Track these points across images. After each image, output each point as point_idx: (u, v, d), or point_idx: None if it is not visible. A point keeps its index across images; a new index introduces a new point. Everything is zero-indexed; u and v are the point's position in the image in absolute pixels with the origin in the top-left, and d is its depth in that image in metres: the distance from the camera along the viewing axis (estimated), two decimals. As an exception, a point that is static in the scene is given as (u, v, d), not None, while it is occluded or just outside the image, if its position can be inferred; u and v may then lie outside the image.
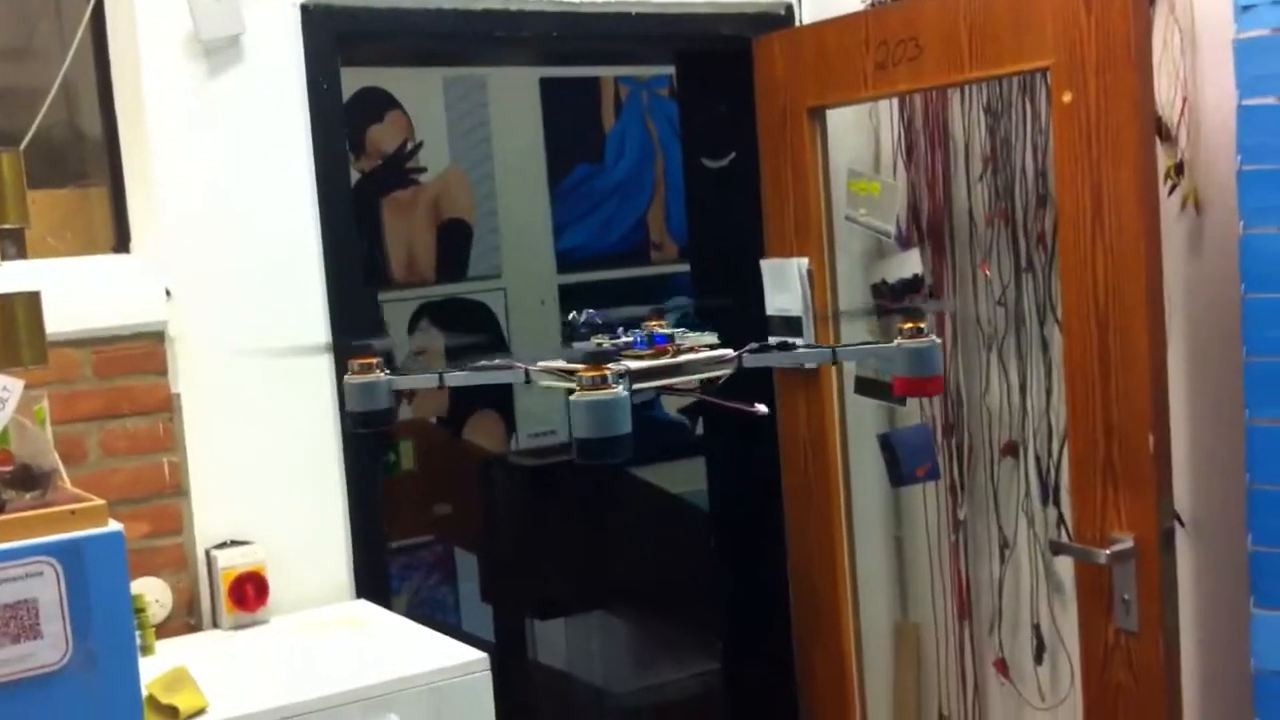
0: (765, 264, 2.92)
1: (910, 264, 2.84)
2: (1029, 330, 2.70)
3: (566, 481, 4.77)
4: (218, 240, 2.48)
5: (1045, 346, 2.66)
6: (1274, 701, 2.33)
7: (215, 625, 2.46)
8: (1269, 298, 2.23)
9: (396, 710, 2.14)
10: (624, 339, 1.85)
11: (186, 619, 2.45)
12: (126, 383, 2.38)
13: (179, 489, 2.43)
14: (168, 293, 2.42)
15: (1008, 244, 2.74)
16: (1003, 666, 2.86)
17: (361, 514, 2.62)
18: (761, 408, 1.91)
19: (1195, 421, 2.46)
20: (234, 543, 2.48)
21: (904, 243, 2.88)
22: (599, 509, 4.70)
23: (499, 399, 5.20)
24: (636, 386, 1.75)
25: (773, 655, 3.13)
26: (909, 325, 1.78)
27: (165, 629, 2.41)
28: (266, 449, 2.52)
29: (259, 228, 2.52)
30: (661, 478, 4.91)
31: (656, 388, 1.84)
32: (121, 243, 2.54)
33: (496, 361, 1.91)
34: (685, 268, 3.66)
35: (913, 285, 2.81)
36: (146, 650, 2.28)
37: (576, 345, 1.86)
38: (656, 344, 1.82)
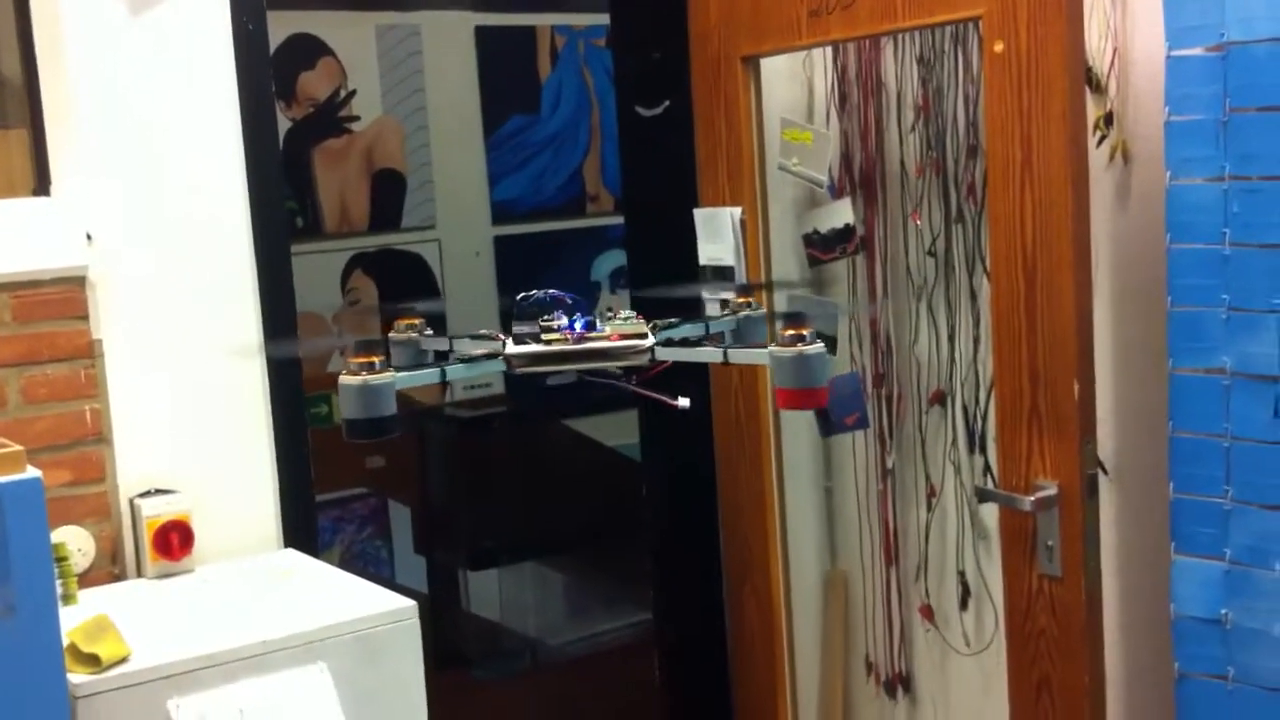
0: (698, 213, 2.91)
1: (842, 213, 2.85)
2: (958, 280, 2.71)
3: (500, 433, 4.76)
4: (140, 185, 2.43)
5: (974, 296, 2.68)
6: (1193, 645, 2.38)
7: (140, 575, 2.43)
8: (1193, 248, 2.26)
9: (324, 658, 2.13)
10: (557, 321, 1.80)
11: (110, 568, 2.42)
12: (47, 328, 2.34)
13: (101, 436, 2.39)
14: (89, 237, 2.38)
15: (939, 194, 2.75)
16: (929, 613, 2.90)
17: (289, 463, 2.60)
18: (683, 402, 1.87)
19: (1120, 370, 2.49)
20: (158, 491, 2.45)
21: (836, 192, 2.89)
22: (532, 461, 4.69)
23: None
24: (542, 369, 1.76)
25: (703, 604, 3.15)
26: (790, 332, 1.64)
27: (88, 578, 2.38)
28: (191, 396, 2.48)
29: (183, 173, 2.47)
30: (594, 430, 4.91)
31: (575, 371, 1.80)
32: (42, 186, 2.48)
33: (482, 352, 1.80)
34: (620, 220, 3.64)
35: (844, 235, 2.82)
36: (69, 599, 2.25)
37: (515, 324, 1.82)
38: (571, 330, 1.77)
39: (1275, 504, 2.25)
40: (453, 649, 4.78)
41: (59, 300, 2.34)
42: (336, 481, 4.99)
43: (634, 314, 1.83)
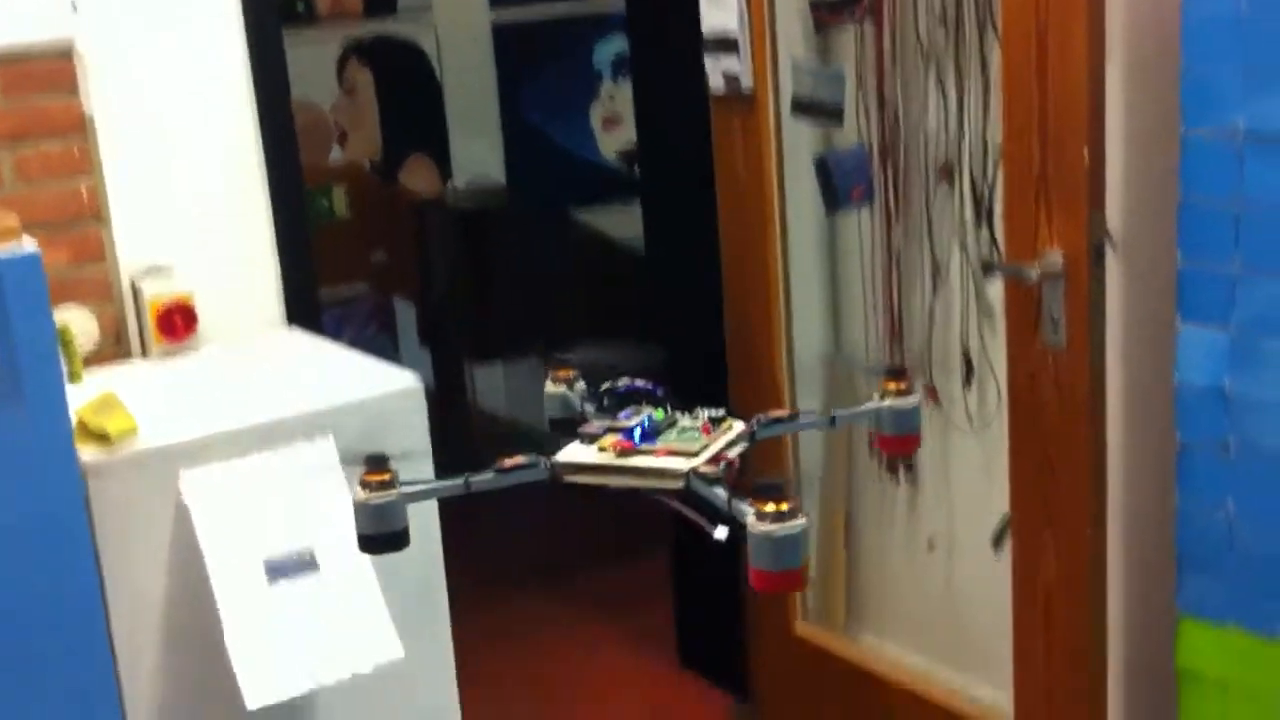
0: (702, -19, 2.81)
1: (849, -20, 2.75)
2: (968, 46, 2.64)
3: (503, 225, 4.73)
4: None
5: (985, 63, 2.60)
6: (1195, 413, 2.38)
7: (144, 355, 2.43)
8: (1209, 7, 2.18)
9: (331, 433, 2.14)
10: (632, 420, 1.67)
11: (114, 349, 2.43)
12: (37, 102, 2.29)
13: (98, 215, 2.37)
14: (74, 5, 2.30)
15: (951, -42, 2.65)
16: (933, 393, 2.90)
17: (289, 243, 2.58)
18: (720, 534, 1.63)
19: (1131, 135, 2.44)
20: (160, 270, 2.43)
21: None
22: (536, 253, 4.67)
23: (433, 143, 5.10)
24: (584, 480, 1.64)
25: (708, 392, 3.15)
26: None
27: (93, 359, 2.38)
28: (188, 176, 2.45)
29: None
30: (599, 222, 4.88)
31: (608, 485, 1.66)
32: (24, -43, 2.40)
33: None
34: (621, 4, 3.53)
35: None
36: (74, 378, 2.25)
37: (596, 416, 1.72)
38: (628, 439, 1.65)
39: (1284, 271, 2.23)
40: (460, 442, 4.83)
41: (47, 72, 2.29)
42: (341, 276, 4.98)
43: (717, 412, 1.69)
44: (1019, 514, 2.54)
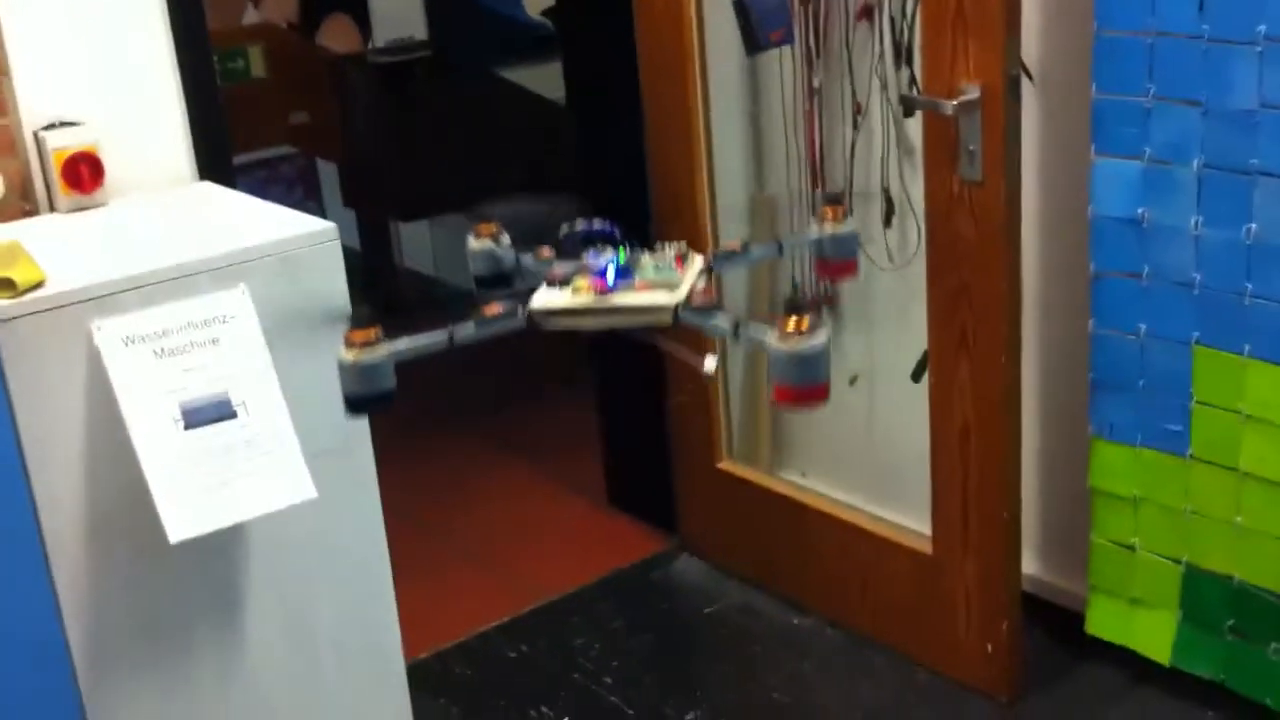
0: None
1: None
2: (887, -119, 2.60)
3: (426, 81, 4.64)
4: None
5: (902, -102, 2.58)
6: (1109, 245, 2.43)
7: (52, 209, 2.39)
8: None
9: (245, 280, 2.11)
10: (599, 260, 1.64)
11: (21, 204, 2.37)
12: (-77, -51, 2.21)
13: (-2, 67, 2.30)
14: None
15: None
16: (854, 231, 2.92)
17: (198, 94, 2.51)
18: (709, 365, 1.74)
19: (1047, -32, 2.44)
20: (64, 124, 2.37)
21: None
22: (460, 109, 4.60)
23: (352, 1, 4.97)
24: (564, 325, 1.63)
25: (631, 234, 3.15)
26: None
27: (-1, 214, 2.33)
28: (88, 26, 2.38)
29: None
30: (522, 79, 4.80)
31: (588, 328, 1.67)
32: None
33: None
34: None
35: None
36: (-21, 232, 2.21)
37: (558, 262, 1.68)
38: (601, 279, 1.62)
39: (1197, 100, 2.25)
40: (387, 300, 4.81)
41: (-67, -84, 2.20)
42: (262, 138, 4.88)
43: (682, 246, 1.66)
44: (936, 346, 2.58)
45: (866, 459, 3.08)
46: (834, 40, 2.83)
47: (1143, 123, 2.33)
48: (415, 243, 5.20)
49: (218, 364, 2.05)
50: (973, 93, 2.34)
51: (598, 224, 1.74)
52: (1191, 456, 2.41)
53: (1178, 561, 2.49)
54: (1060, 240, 2.63)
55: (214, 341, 2.06)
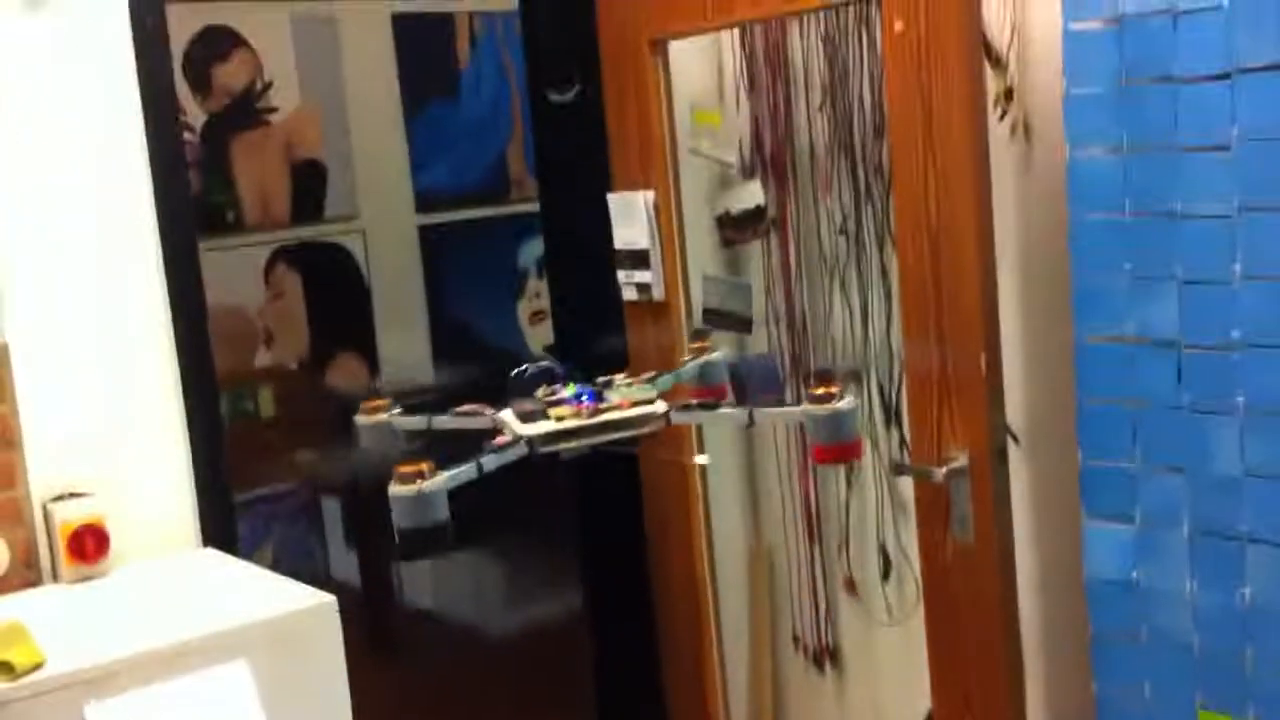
0: (612, 198, 2.91)
1: (753, 194, 2.86)
2: (870, 257, 2.74)
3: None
4: (38, 183, 2.40)
5: (885, 272, 2.70)
6: (1106, 607, 2.43)
7: (56, 579, 2.41)
8: (1095, 218, 2.29)
9: (244, 655, 2.12)
10: (563, 392, 1.80)
11: (25, 574, 2.40)
12: (-51, 335, 2.31)
13: (10, 441, 2.36)
14: (-13, 233, 2.34)
15: (848, 173, 2.77)
16: (852, 585, 2.93)
17: (205, 461, 2.58)
18: (702, 459, 1.92)
19: (1029, 339, 2.53)
20: (71, 495, 2.42)
21: (747, 173, 2.90)
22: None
23: (360, 341, 5.14)
24: (563, 446, 1.76)
25: (631, 585, 3.16)
26: (820, 390, 1.75)
27: (2, 585, 2.35)
28: (102, 397, 2.46)
29: (84, 170, 2.44)
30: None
31: (586, 446, 1.80)
32: (-59, 190, 2.45)
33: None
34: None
35: (756, 215, 2.84)
36: (-18, 607, 2.22)
37: (514, 401, 1.82)
38: (587, 402, 1.78)
39: (1180, 466, 2.30)
40: (388, 639, 4.76)
41: (-39, 302, 2.31)
42: (265, 477, 4.95)
43: (630, 378, 1.83)
44: (940, 708, 2.55)
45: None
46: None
47: (1130, 488, 2.37)
48: (416, 581, 5.19)
49: (212, 745, 2.03)
50: (961, 459, 2.39)
51: (546, 363, 1.88)
52: (1205, 826, 2.35)
53: None
54: (1058, 600, 2.63)
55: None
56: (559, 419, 1.75)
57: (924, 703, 2.67)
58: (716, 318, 2.90)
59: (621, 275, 2.91)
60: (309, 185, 5.06)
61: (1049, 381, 2.54)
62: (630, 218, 2.84)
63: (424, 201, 5.28)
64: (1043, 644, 2.69)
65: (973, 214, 2.29)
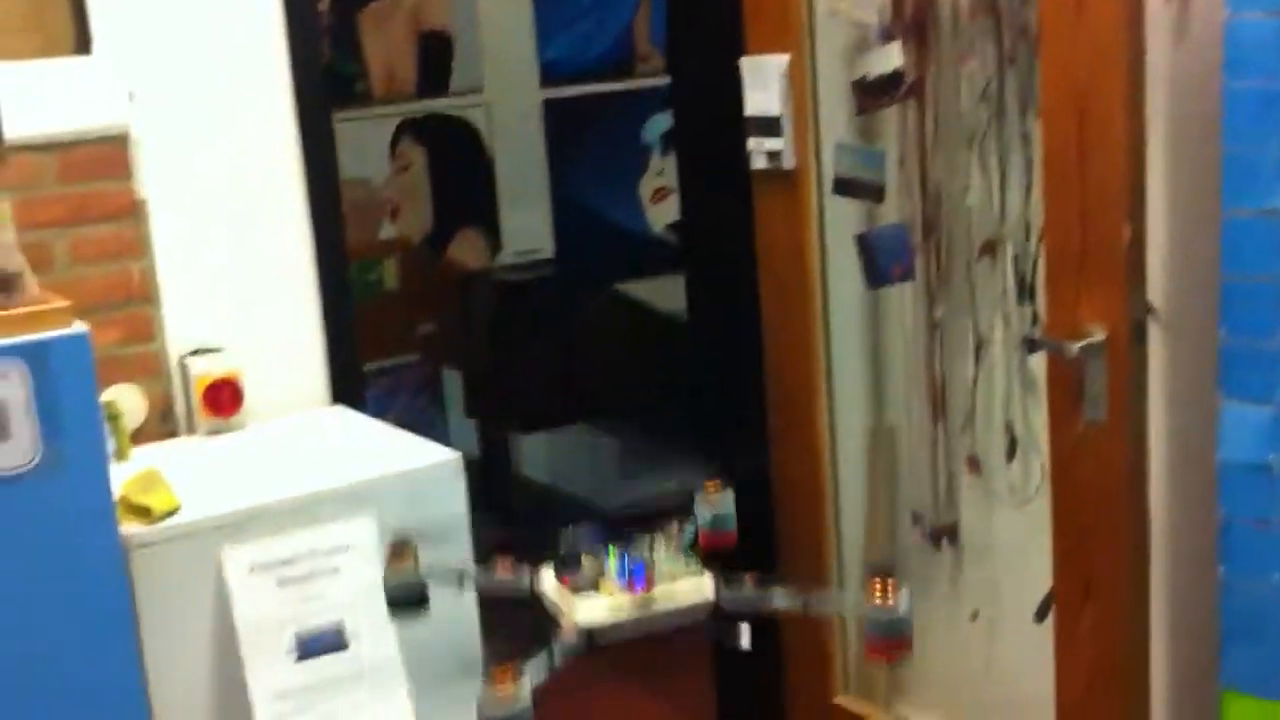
0: (744, 62, 2.85)
1: (891, 58, 2.77)
2: (1010, 125, 2.65)
3: (549, 296, 4.76)
4: (181, 42, 2.42)
5: (1026, 141, 2.61)
6: (1239, 492, 2.36)
7: (191, 432, 2.48)
8: (1250, 86, 2.19)
9: (372, 508, 2.16)
10: (608, 563, 1.80)
11: (162, 426, 2.47)
12: (92, 188, 2.35)
13: (149, 296, 2.42)
14: (130, 95, 2.37)
15: (992, 36, 2.66)
16: (975, 464, 2.89)
17: (335, 322, 2.62)
18: (746, 640, 1.94)
19: (1174, 213, 2.44)
20: (207, 350, 2.48)
21: (885, 35, 2.81)
22: (581, 324, 4.70)
23: (483, 216, 5.17)
24: (612, 638, 1.79)
25: (750, 464, 3.16)
26: (878, 588, 1.77)
27: (141, 436, 2.43)
28: (237, 257, 2.50)
29: (225, 34, 2.46)
30: (643, 293, 4.91)
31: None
32: (83, 44, 2.47)
33: (504, 571, 1.86)
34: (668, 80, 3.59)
35: (893, 80, 2.75)
36: (121, 456, 2.29)
37: (562, 569, 1.83)
38: (637, 584, 1.78)
39: (1328, 347, 2.21)
40: (504, 511, 4.85)
41: (103, 159, 2.35)
42: (388, 348, 5.04)
43: (663, 535, 1.83)
44: (1061, 590, 2.52)
45: (987, 697, 2.98)
46: (956, 276, 2.85)
47: (1272, 369, 2.29)
48: (533, 453, 5.26)
49: (336, 593, 2.08)
50: (1097, 336, 2.32)
51: (579, 528, 1.86)
52: (1333, 714, 2.30)
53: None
54: (1189, 484, 2.57)
55: (335, 571, 2.10)
56: (609, 595, 1.76)
57: (1042, 586, 2.64)
58: (848, 186, 2.84)
59: (751, 143, 2.86)
60: (435, 57, 5.05)
61: (1193, 256, 2.45)
62: (763, 83, 2.78)
63: (548, 75, 5.25)
64: (1169, 528, 2.63)
65: (1123, 79, 2.19)
